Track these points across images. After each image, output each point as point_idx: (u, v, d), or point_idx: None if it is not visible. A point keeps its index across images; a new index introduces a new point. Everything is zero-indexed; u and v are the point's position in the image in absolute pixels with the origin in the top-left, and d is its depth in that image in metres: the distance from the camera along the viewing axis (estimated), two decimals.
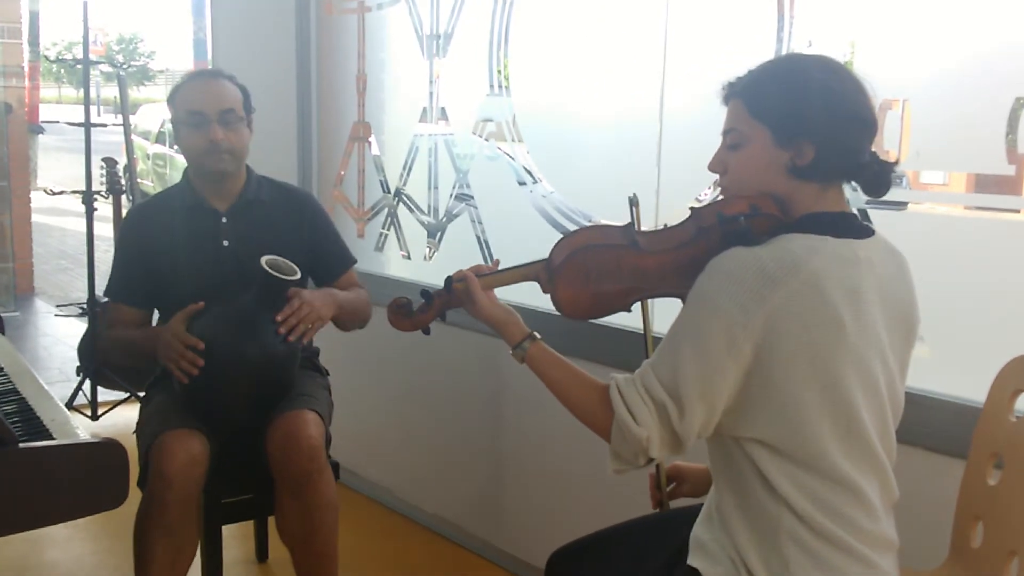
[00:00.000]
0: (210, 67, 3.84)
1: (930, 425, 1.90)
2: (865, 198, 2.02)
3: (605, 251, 1.59)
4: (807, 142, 1.46)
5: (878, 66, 2.04)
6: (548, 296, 1.62)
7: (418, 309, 1.73)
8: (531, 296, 1.77)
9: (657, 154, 2.47)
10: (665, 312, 1.64)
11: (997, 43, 1.89)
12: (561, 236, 1.64)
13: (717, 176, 1.58)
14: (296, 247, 2.41)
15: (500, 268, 1.72)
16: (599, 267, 1.58)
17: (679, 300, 1.55)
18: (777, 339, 1.39)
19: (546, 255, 1.64)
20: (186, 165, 2.57)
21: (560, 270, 1.59)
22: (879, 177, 1.50)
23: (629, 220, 1.69)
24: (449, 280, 1.69)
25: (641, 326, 1.87)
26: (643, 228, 1.69)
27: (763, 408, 1.43)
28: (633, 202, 1.74)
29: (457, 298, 1.69)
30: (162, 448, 2.19)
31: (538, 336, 1.64)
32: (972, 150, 1.94)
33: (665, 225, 1.63)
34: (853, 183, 1.54)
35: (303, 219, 2.57)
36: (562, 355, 1.62)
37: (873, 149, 1.51)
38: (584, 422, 1.56)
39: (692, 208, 1.57)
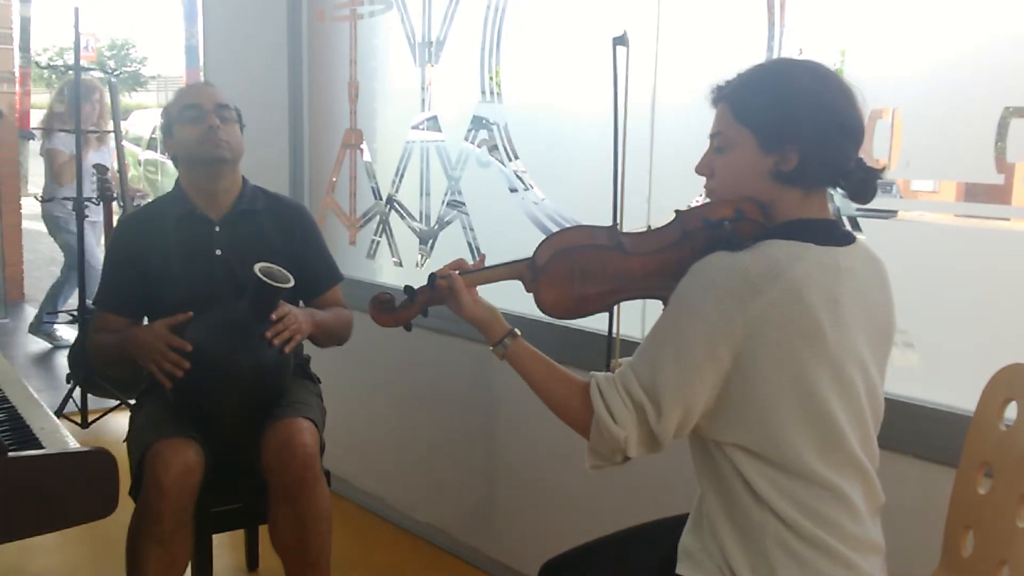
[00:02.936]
0: (202, 74, 3.85)
1: (920, 433, 1.91)
2: (856, 205, 2.03)
3: (590, 252, 1.59)
4: (792, 148, 1.47)
5: (868, 74, 2.05)
6: (531, 295, 1.62)
7: (400, 305, 1.72)
8: (515, 302, 1.76)
9: (648, 161, 2.47)
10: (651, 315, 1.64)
11: (986, 52, 1.90)
12: (547, 235, 1.63)
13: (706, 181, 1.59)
14: (286, 258, 2.41)
15: (484, 266, 1.72)
16: (583, 268, 1.58)
17: (661, 302, 1.56)
18: (757, 346, 1.40)
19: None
20: (177, 175, 2.57)
21: (544, 270, 1.59)
22: (864, 184, 1.51)
23: (613, 70, 1.64)
24: (432, 276, 1.68)
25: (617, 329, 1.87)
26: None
27: (742, 413, 1.44)
28: (620, 41, 1.68)
29: (440, 295, 1.68)
30: (157, 457, 2.18)
31: (519, 333, 1.65)
32: (962, 159, 1.95)
33: (649, 227, 1.63)
34: (839, 190, 1.55)
35: (294, 231, 2.57)
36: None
37: (860, 156, 1.52)
38: (563, 418, 1.57)
39: (677, 211, 1.57)
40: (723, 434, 1.47)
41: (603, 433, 1.48)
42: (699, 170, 1.58)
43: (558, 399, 1.58)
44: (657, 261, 1.56)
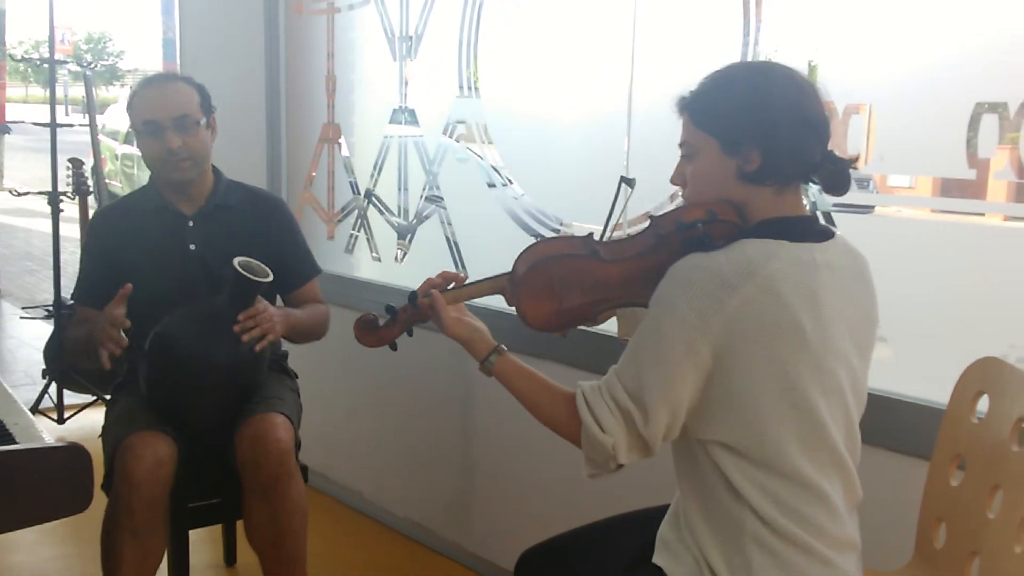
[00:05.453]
0: (178, 68, 3.82)
1: (894, 426, 1.92)
2: (832, 200, 2.04)
3: (567, 261, 1.59)
4: (752, 148, 1.48)
5: (843, 71, 2.06)
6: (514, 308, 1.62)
7: (384, 325, 1.73)
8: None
9: (626, 156, 2.48)
10: None
11: (958, 49, 1.91)
12: (524, 248, 1.63)
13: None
14: (262, 253, 2.38)
15: (466, 282, 1.71)
16: (561, 278, 1.59)
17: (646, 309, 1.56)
18: (736, 343, 1.41)
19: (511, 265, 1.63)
20: None
21: (523, 282, 1.59)
22: (836, 175, 1.52)
23: (612, 202, 1.67)
24: (414, 294, 1.68)
25: (614, 329, 1.87)
26: (622, 220, 1.68)
27: (725, 411, 1.45)
28: (628, 183, 1.71)
29: (423, 313, 1.69)
30: (128, 451, 2.17)
31: (504, 349, 1.65)
32: (935, 154, 1.96)
33: (627, 234, 1.64)
34: (816, 185, 1.56)
35: (270, 225, 2.55)
36: (536, 356, 1.62)
37: (831, 148, 1.52)
38: (554, 431, 1.57)
39: (651, 216, 1.59)
40: (706, 432, 1.47)
41: (592, 442, 1.48)
42: (673, 180, 1.60)
43: (546, 412, 1.58)
44: (634, 267, 1.57)
